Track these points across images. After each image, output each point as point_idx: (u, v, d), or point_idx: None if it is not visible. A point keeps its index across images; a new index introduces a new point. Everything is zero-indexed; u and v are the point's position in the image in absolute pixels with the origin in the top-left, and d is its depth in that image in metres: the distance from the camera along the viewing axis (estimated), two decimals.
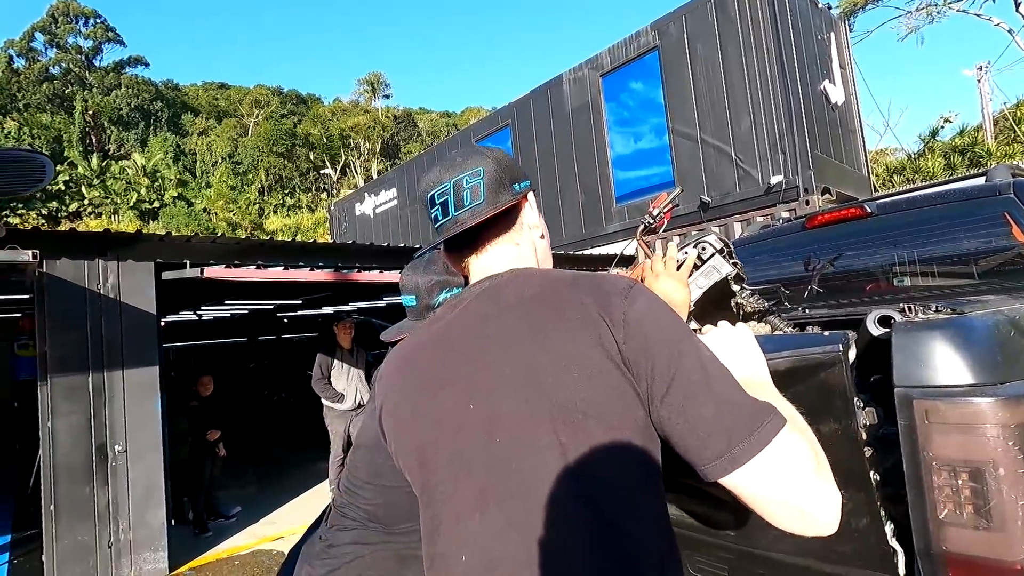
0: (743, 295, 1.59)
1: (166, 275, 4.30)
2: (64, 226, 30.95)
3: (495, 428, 0.75)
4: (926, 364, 0.95)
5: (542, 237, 0.96)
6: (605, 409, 0.72)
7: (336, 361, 5.27)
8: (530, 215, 0.95)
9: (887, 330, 1.28)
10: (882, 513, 0.97)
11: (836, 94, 7.77)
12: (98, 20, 46.04)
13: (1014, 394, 0.91)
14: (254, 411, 10.22)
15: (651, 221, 2.95)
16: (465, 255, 0.94)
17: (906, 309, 1.03)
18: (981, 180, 2.48)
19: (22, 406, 8.30)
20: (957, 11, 19.44)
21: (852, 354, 0.93)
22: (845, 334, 0.96)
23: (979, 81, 17.33)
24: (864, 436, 0.95)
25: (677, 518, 1.26)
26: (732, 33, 7.34)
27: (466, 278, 1.00)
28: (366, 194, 15.33)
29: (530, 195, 0.96)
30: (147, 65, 49.26)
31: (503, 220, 0.92)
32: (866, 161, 8.87)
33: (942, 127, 17.16)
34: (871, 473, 0.95)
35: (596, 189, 9.14)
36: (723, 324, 0.95)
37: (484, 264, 0.93)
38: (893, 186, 15.65)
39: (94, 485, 4.00)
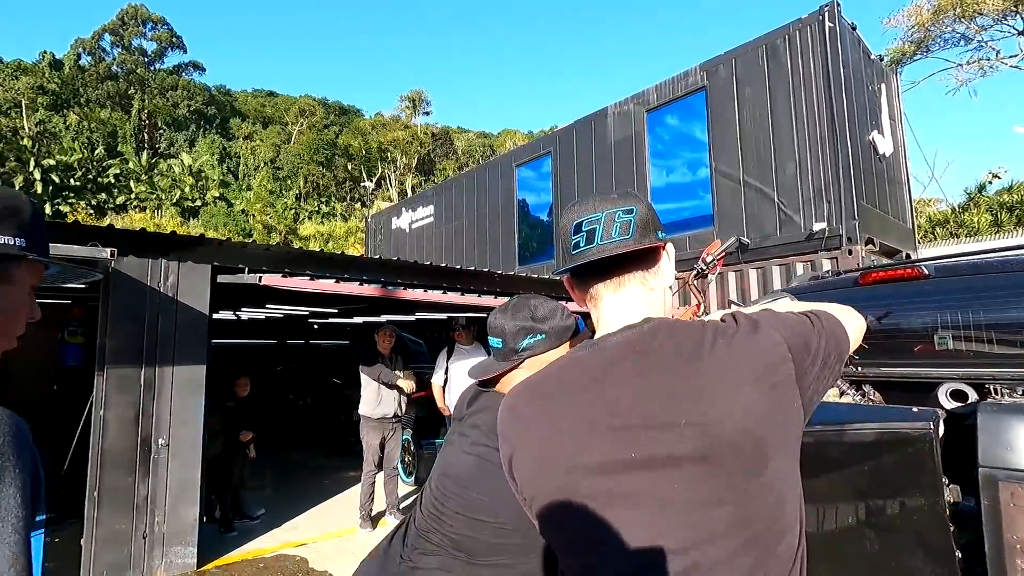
0: None
1: (222, 278, 4.48)
2: (111, 216, 32.26)
3: (662, 476, 0.81)
4: (1013, 448, 0.98)
5: (669, 288, 1.00)
6: (780, 440, 0.84)
7: (370, 367, 5.34)
8: (668, 265, 0.99)
9: (960, 404, 1.30)
10: None
11: (884, 145, 7.73)
12: (164, 26, 48.45)
13: None
14: (279, 414, 10.39)
15: (704, 267, 3.00)
16: (601, 289, 0.96)
17: (992, 390, 1.06)
18: None
19: (61, 390, 8.62)
20: (1010, 66, 19.20)
21: (941, 431, 0.97)
22: (935, 412, 0.99)
23: None
24: (948, 513, 0.98)
25: None
26: (782, 78, 7.40)
27: (582, 314, 1.06)
28: (403, 209, 15.65)
29: (669, 246, 0.99)
30: (203, 70, 51.52)
31: (643, 261, 0.95)
32: (912, 213, 8.75)
33: (989, 182, 16.82)
34: (956, 550, 0.98)
35: None
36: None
37: (619, 302, 0.95)
38: (935, 238, 15.34)
39: (135, 476, 4.14)
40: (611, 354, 0.89)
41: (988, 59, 19.24)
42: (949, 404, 1.10)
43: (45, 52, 42.83)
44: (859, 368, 2.48)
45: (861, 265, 5.65)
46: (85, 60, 44.80)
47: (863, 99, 7.49)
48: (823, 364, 0.88)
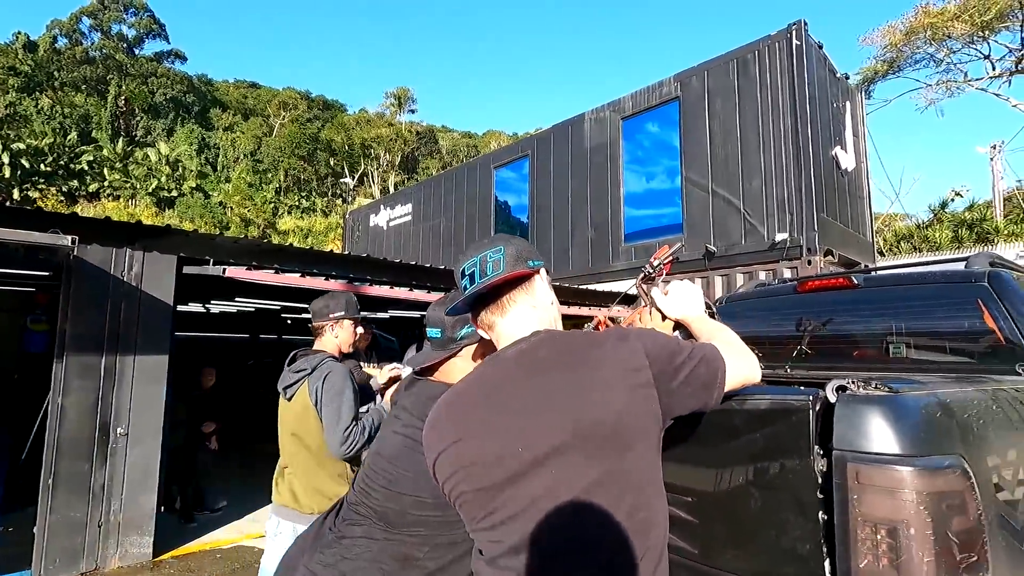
0: None
1: (187, 270, 4.50)
2: (82, 204, 31.48)
3: (547, 463, 0.97)
4: (861, 433, 1.12)
5: (552, 304, 1.19)
6: (641, 431, 0.99)
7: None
8: (542, 286, 1.17)
9: None
10: (824, 547, 1.13)
11: (847, 160, 8.02)
12: (146, 12, 47.46)
13: (930, 466, 1.07)
14: (248, 408, 10.32)
15: (651, 271, 3.15)
16: (490, 316, 1.14)
17: (850, 383, 1.20)
18: (961, 265, 2.66)
19: (22, 378, 8.45)
20: (976, 88, 19.94)
21: (819, 407, 1.14)
22: (816, 391, 1.16)
23: (992, 159, 17.65)
24: (820, 479, 1.13)
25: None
26: (751, 93, 7.64)
27: (485, 340, 1.23)
28: (382, 206, 15.65)
29: (542, 271, 1.18)
30: (185, 60, 50.58)
31: (520, 287, 1.14)
32: (871, 227, 9.08)
33: (952, 200, 17.47)
34: (820, 512, 1.12)
35: (606, 227, 9.37)
36: (675, 283, 1.46)
37: (509, 324, 1.13)
38: (900, 252, 15.88)
39: (92, 464, 4.13)
40: (506, 365, 1.08)
41: (956, 80, 19.96)
42: (833, 397, 1.24)
43: (19, 33, 41.62)
44: (788, 370, 2.64)
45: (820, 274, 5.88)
46: (62, 42, 43.63)
47: (827, 115, 7.77)
48: (685, 382, 1.03)
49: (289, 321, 13.33)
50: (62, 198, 31.28)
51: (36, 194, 30.03)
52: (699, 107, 8.21)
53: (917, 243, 15.87)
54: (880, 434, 1.10)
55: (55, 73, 40.91)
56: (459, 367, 1.51)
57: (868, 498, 1.09)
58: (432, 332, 1.57)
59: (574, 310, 6.81)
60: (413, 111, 51.09)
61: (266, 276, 4.19)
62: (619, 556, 0.95)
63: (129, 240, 4.35)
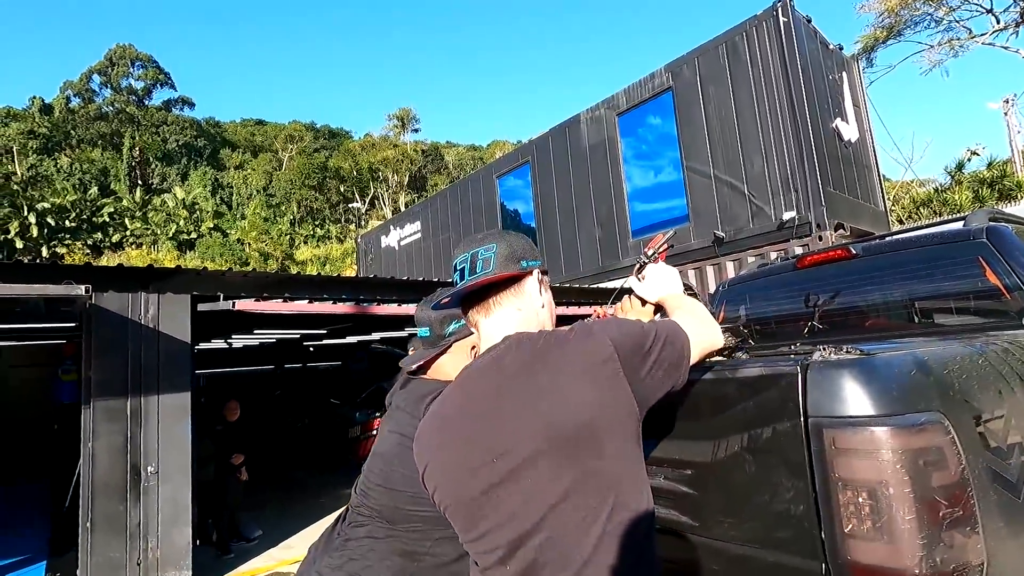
0: None
1: (201, 307, 4.62)
2: (107, 255, 32.50)
3: (523, 471, 0.96)
4: (834, 397, 1.11)
5: (543, 307, 1.15)
6: (615, 425, 0.97)
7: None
8: (533, 288, 1.14)
9: None
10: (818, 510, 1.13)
11: (849, 131, 7.89)
12: (152, 64, 49.05)
13: (905, 424, 1.06)
14: (278, 437, 10.49)
15: (646, 260, 3.16)
16: (475, 315, 1.14)
17: (822, 349, 1.20)
18: (960, 224, 2.60)
19: (61, 428, 8.74)
20: (982, 44, 19.44)
21: (807, 374, 1.14)
22: (805, 358, 1.16)
23: (1006, 114, 17.15)
24: (805, 437, 1.13)
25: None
26: (743, 75, 7.58)
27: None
28: (391, 227, 15.84)
29: (536, 272, 1.14)
30: (193, 105, 52.03)
31: (509, 288, 1.12)
32: (883, 196, 8.89)
33: (969, 159, 17.00)
34: (809, 472, 1.12)
35: (612, 223, 9.35)
36: (651, 267, 1.46)
37: (491, 324, 1.12)
38: (920, 218, 15.49)
39: (127, 504, 4.25)
40: (479, 374, 1.07)
41: (959, 38, 19.49)
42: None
43: (35, 97, 43.38)
44: (793, 346, 2.61)
45: (817, 249, 5.80)
46: (75, 102, 45.29)
47: (823, 88, 7.67)
48: (656, 365, 1.02)
49: (312, 349, 13.55)
50: (88, 251, 32.35)
51: (64, 249, 31.11)
52: (693, 95, 8.17)
53: (937, 207, 15.46)
54: (853, 397, 1.10)
55: (71, 132, 42.47)
56: (449, 363, 1.53)
57: (846, 462, 1.08)
58: (421, 332, 1.60)
59: (585, 309, 6.80)
60: (417, 130, 51.76)
61: (274, 305, 4.28)
62: (602, 557, 0.94)
63: (143, 284, 4.48)
